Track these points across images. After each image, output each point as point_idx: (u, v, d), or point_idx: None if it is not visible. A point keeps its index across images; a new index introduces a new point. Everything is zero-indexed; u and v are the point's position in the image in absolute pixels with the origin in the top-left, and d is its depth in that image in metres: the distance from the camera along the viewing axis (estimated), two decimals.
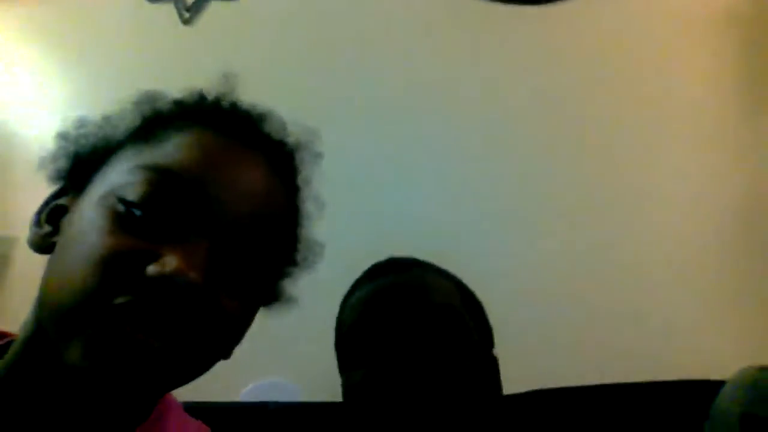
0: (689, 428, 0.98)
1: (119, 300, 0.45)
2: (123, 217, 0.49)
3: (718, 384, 0.97)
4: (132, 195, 0.49)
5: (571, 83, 1.56)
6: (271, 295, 0.62)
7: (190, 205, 0.50)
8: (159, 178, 0.50)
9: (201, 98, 0.62)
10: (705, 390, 0.99)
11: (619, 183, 1.52)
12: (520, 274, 1.42)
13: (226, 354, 0.57)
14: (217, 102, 0.61)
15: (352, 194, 1.44)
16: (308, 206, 0.64)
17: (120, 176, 0.52)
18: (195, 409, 0.92)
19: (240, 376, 1.27)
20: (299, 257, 0.64)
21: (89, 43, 1.71)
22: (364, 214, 1.45)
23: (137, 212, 0.49)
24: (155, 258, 0.47)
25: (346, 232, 1.40)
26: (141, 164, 0.52)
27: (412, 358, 0.72)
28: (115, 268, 0.47)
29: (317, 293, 1.33)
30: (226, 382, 1.25)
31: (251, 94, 0.63)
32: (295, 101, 1.42)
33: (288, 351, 1.32)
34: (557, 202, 1.50)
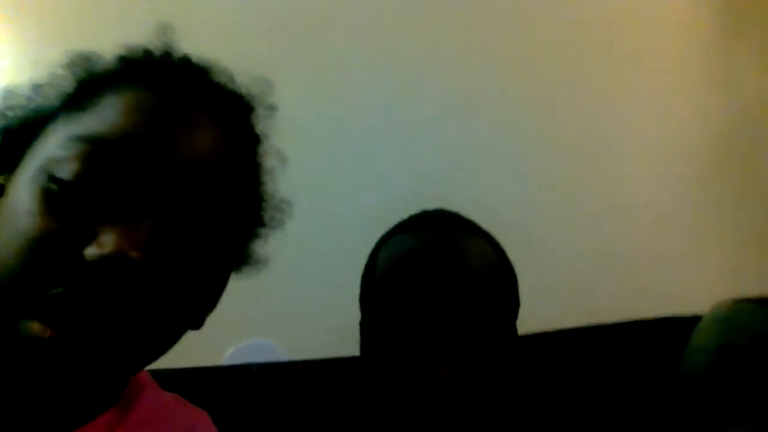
0: (667, 364, 1.00)
1: (56, 290, 0.42)
2: (55, 196, 0.45)
3: (695, 319, 0.99)
4: (64, 171, 0.45)
5: (550, 29, 1.54)
6: (239, 258, 0.59)
7: (128, 178, 0.46)
8: (92, 149, 0.46)
9: (137, 55, 0.56)
10: (682, 326, 1.01)
11: (597, 124, 1.52)
12: (500, 217, 1.43)
13: (194, 324, 0.55)
14: (155, 57, 0.56)
15: (342, 156, 1.42)
16: (269, 162, 0.61)
17: (52, 150, 0.47)
18: (177, 375, 0.91)
19: (221, 340, 1.26)
20: (266, 217, 0.61)
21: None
22: (354, 175, 1.42)
23: (70, 190, 0.45)
24: (92, 238, 0.43)
25: (334, 193, 1.39)
26: (73, 135, 0.47)
27: (441, 320, 0.71)
28: (48, 253, 0.43)
29: (298, 253, 1.34)
30: (208, 346, 1.25)
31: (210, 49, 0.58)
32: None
33: (269, 311, 1.32)
34: (537, 147, 1.50)
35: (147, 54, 0.56)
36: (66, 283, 0.43)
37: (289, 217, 0.63)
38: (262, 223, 0.61)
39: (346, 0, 1.48)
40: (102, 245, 0.43)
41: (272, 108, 0.61)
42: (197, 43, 0.58)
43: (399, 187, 1.33)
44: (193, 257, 0.49)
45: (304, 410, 1.03)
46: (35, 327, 0.42)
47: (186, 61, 0.57)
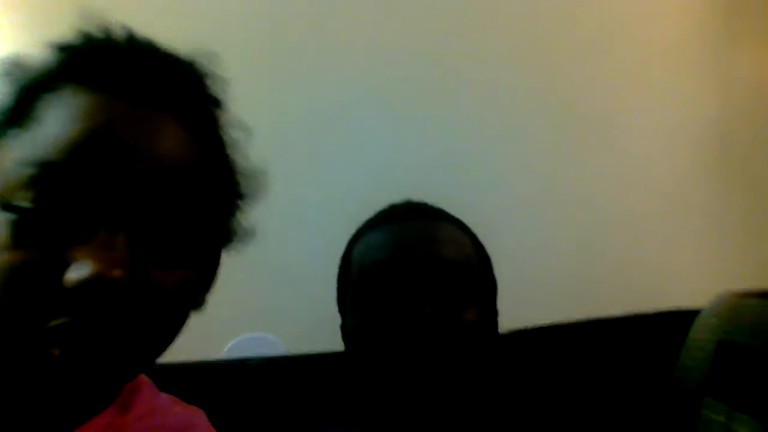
0: (666, 358, 0.99)
1: (52, 323, 0.40)
2: (20, 225, 0.41)
3: (695, 313, 0.99)
4: (21, 199, 0.41)
5: (545, 20, 1.52)
6: (225, 236, 0.58)
7: (88, 196, 0.42)
8: (41, 173, 0.42)
9: (75, 45, 0.49)
10: (682, 319, 1.01)
11: (592, 117, 1.51)
12: (502, 208, 1.43)
13: (195, 305, 0.54)
14: (96, 46, 0.49)
15: (336, 147, 1.42)
16: (233, 134, 0.57)
17: (4, 177, 0.43)
18: (176, 370, 0.90)
19: (220, 334, 1.26)
20: (242, 190, 0.58)
21: None
22: (345, 169, 1.42)
23: (33, 218, 0.41)
24: (68, 264, 0.41)
25: (333, 187, 1.38)
26: (19, 159, 0.43)
27: (419, 310, 0.71)
28: (28, 286, 0.40)
29: (296, 247, 1.34)
30: (207, 340, 1.25)
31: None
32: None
33: (268, 305, 1.32)
34: (536, 137, 1.49)
35: (86, 43, 0.50)
36: (57, 313, 0.40)
37: (266, 188, 0.61)
38: (239, 197, 0.58)
39: None
40: (79, 270, 0.40)
41: (224, 79, 0.55)
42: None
43: (393, 180, 1.33)
44: (178, 259, 0.47)
45: (303, 404, 1.03)
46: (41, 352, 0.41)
47: (131, 45, 0.51)
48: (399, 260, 0.75)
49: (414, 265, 0.74)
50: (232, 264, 1.23)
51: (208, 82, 0.54)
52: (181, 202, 0.46)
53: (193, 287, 0.51)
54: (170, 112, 0.47)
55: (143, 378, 0.60)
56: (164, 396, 0.62)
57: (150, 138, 0.45)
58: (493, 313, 0.84)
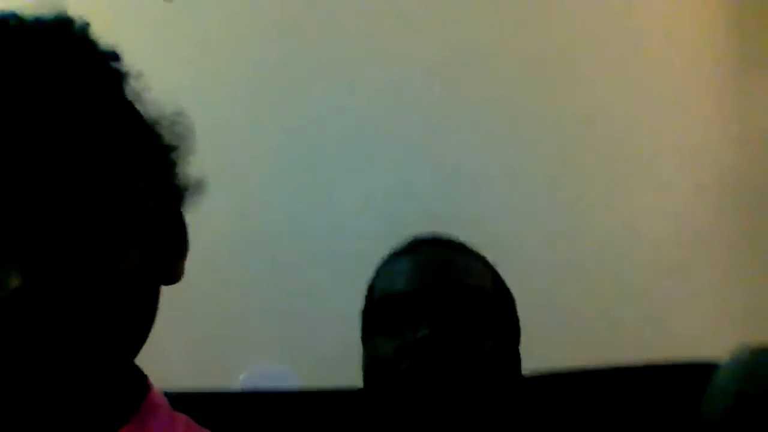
0: (689, 409, 0.98)
1: None
2: None
3: (714, 366, 0.98)
4: None
5: (559, 44, 1.54)
6: (175, 193, 0.54)
7: None
8: None
9: None
10: (702, 371, 0.99)
11: (607, 155, 1.51)
12: (511, 242, 1.42)
13: (167, 277, 0.51)
14: None
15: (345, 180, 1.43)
16: (132, 87, 0.51)
17: None
18: (191, 398, 0.91)
19: (236, 363, 1.27)
20: (167, 139, 0.53)
21: None
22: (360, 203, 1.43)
23: None
24: None
25: (348, 222, 1.40)
26: None
27: (438, 336, 0.71)
28: None
29: (318, 284, 1.35)
30: (224, 369, 1.26)
31: None
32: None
33: (285, 335, 1.32)
34: (550, 166, 1.49)
35: None
36: None
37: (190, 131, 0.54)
38: (168, 150, 0.53)
39: None
40: None
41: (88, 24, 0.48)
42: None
43: (411, 203, 1.33)
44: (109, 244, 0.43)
45: None
46: None
47: None
48: (417, 287, 0.76)
49: (431, 292, 0.75)
50: (250, 293, 1.25)
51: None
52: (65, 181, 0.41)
53: (150, 264, 0.47)
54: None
55: (160, 398, 0.59)
56: (181, 417, 0.61)
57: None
58: (514, 353, 0.83)
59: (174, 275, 0.53)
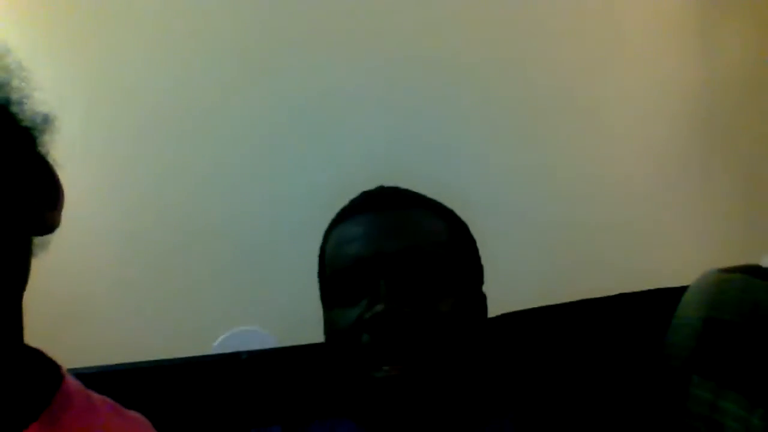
0: (652, 337, 1.00)
1: None
2: None
3: (680, 290, 0.99)
4: None
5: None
6: (24, 135, 0.53)
7: None
8: None
9: None
10: (667, 297, 1.01)
11: (572, 94, 1.51)
12: (484, 188, 1.43)
13: (38, 226, 0.50)
14: None
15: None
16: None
17: None
18: (166, 366, 0.90)
19: (210, 329, 1.26)
20: (27, 122, 0.53)
21: None
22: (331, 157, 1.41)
23: None
24: None
25: (317, 176, 1.38)
26: None
27: (395, 309, 0.70)
28: None
29: (288, 239, 1.34)
30: (197, 336, 1.25)
31: None
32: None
33: (258, 299, 1.31)
34: (519, 111, 1.49)
35: None
36: None
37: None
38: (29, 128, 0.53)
39: None
40: None
41: None
42: None
43: (379, 168, 1.32)
44: None
45: (294, 396, 1.03)
46: None
47: None
48: (367, 257, 0.74)
49: (382, 261, 0.74)
50: (220, 258, 1.24)
51: None
52: None
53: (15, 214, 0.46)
54: None
55: (75, 386, 0.56)
56: (104, 405, 0.58)
57: None
58: (478, 298, 0.83)
59: (49, 225, 0.51)
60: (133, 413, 0.60)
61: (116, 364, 0.94)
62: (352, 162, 1.40)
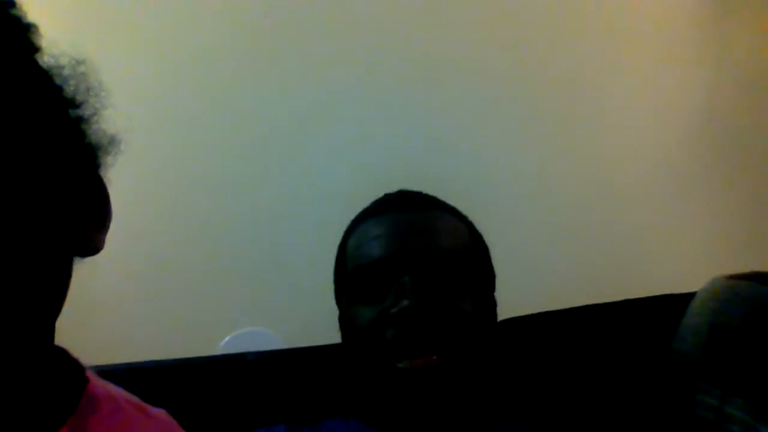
0: (659, 343, 1.00)
1: None
2: None
3: (688, 297, 0.99)
4: None
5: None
6: (89, 153, 0.52)
7: None
8: None
9: None
10: (675, 304, 1.01)
11: (581, 97, 1.51)
12: (492, 191, 1.43)
13: (84, 247, 0.49)
14: None
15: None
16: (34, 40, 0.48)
17: None
18: (172, 366, 0.90)
19: (217, 329, 1.26)
20: (71, 93, 0.51)
21: None
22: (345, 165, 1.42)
23: None
24: None
25: (324, 176, 1.38)
26: None
27: (420, 305, 0.71)
28: None
29: (297, 240, 1.34)
30: (203, 336, 1.25)
31: None
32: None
33: (265, 300, 1.32)
34: (527, 114, 1.49)
35: None
36: None
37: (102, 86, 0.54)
38: (73, 103, 0.51)
39: None
40: None
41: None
42: None
43: (387, 169, 1.33)
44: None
45: (300, 397, 1.03)
46: None
47: None
48: (392, 254, 0.75)
49: (407, 259, 0.74)
50: (227, 259, 1.24)
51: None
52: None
53: (64, 234, 0.45)
54: None
55: (102, 389, 0.55)
56: (129, 404, 0.57)
57: None
58: (491, 303, 0.84)
59: (92, 247, 0.50)
60: (157, 410, 0.60)
61: (122, 364, 0.94)
62: (365, 162, 1.40)
